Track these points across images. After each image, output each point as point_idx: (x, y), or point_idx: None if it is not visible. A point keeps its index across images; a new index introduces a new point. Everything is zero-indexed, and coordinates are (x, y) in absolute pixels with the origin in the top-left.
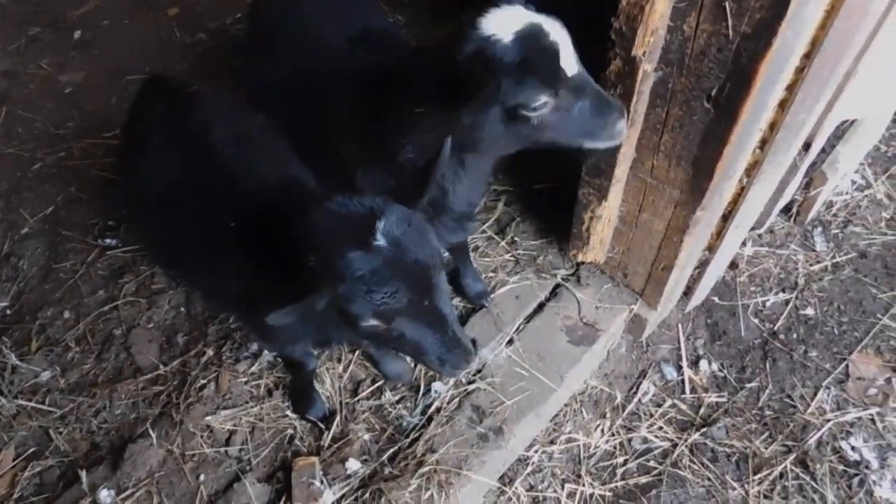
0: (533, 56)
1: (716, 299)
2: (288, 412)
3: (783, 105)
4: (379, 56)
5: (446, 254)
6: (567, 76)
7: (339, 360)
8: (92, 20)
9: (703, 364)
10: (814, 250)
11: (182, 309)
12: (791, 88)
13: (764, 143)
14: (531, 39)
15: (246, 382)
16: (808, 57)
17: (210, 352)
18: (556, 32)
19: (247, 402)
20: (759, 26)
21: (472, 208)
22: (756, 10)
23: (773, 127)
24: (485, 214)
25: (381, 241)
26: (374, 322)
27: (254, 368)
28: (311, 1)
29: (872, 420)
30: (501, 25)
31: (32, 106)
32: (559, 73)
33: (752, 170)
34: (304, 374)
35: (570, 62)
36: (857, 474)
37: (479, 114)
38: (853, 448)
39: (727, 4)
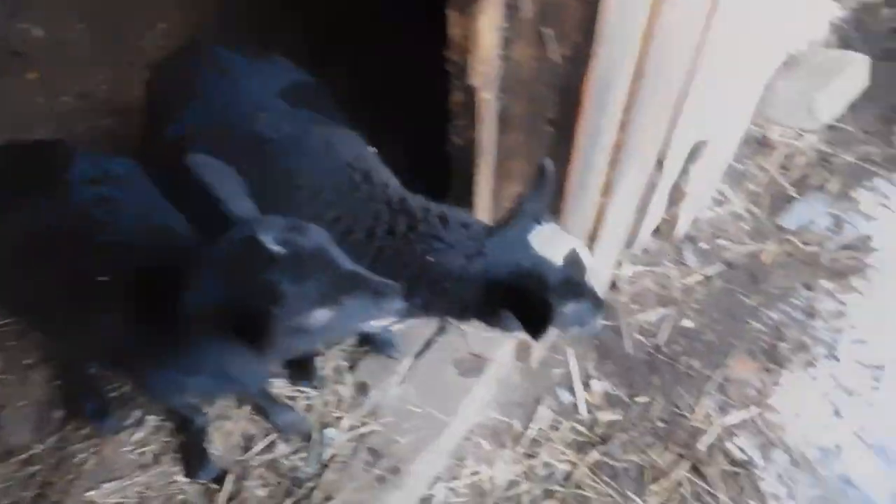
0: (572, 277)
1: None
2: (177, 477)
3: (624, 126)
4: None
5: None
6: (592, 287)
7: (228, 417)
8: None
9: (595, 384)
10: (686, 265)
11: (59, 381)
12: (628, 111)
13: (614, 163)
14: (574, 264)
15: (131, 451)
16: (635, 82)
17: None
18: (584, 253)
19: (133, 472)
20: (576, 49)
21: None
22: (572, 34)
23: (619, 147)
24: None
25: (277, 248)
26: (326, 313)
27: (138, 435)
28: None
29: (753, 420)
30: (550, 248)
31: None
32: (588, 287)
33: (607, 189)
34: (194, 431)
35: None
36: (745, 472)
37: None
38: (740, 448)
39: (543, 31)
